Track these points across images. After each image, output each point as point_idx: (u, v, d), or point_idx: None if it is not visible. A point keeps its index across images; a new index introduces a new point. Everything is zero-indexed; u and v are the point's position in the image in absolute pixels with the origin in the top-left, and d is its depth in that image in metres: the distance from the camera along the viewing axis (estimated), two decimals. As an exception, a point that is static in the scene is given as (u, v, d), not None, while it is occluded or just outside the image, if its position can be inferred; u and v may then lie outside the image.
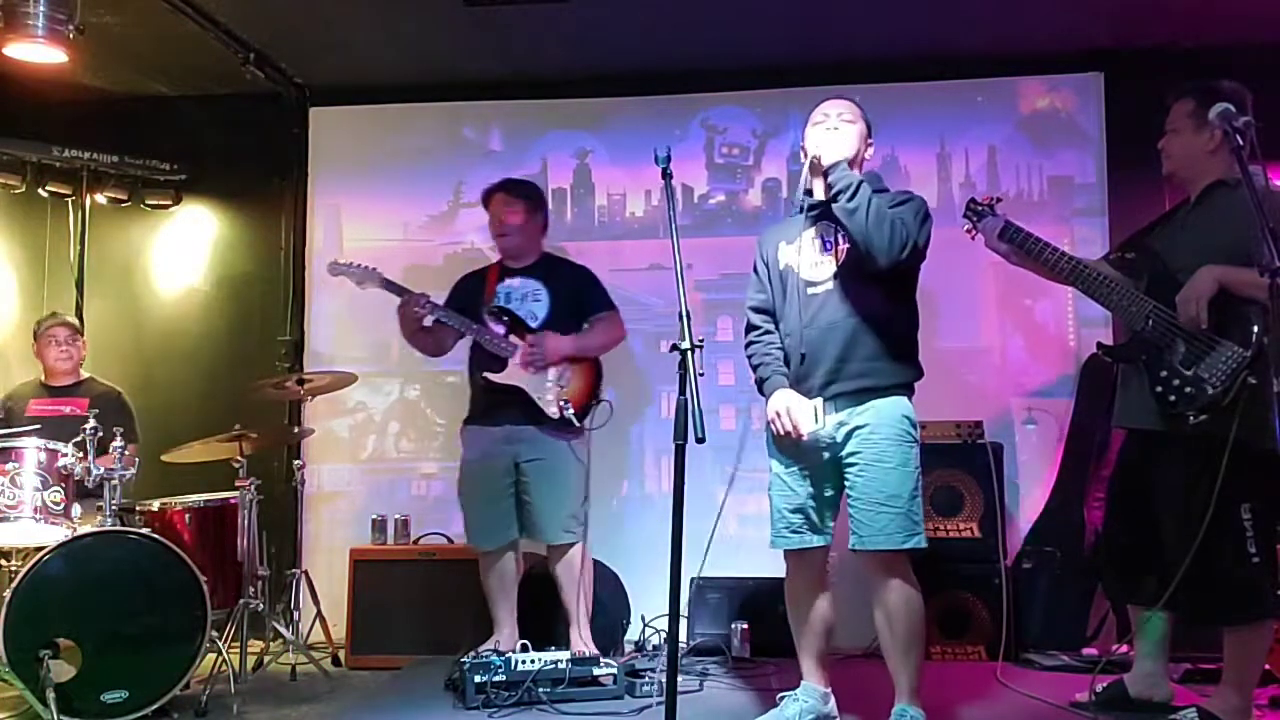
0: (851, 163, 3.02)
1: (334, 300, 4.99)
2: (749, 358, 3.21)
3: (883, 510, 2.92)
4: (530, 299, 4.03)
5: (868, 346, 2.98)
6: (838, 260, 3.04)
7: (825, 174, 3.01)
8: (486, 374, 3.94)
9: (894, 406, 2.99)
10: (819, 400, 2.99)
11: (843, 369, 2.98)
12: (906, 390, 3.05)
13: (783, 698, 3.18)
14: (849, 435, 2.98)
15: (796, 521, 3.07)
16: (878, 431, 2.96)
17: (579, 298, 4.07)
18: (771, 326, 3.16)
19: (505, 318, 3.97)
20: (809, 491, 3.06)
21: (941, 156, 4.85)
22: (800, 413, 2.98)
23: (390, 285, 3.98)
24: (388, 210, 5.10)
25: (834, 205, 2.96)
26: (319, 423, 4.90)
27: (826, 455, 3.03)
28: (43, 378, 4.50)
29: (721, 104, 4.95)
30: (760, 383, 3.14)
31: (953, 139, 4.84)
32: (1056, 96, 4.81)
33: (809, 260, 3.07)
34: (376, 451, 5.01)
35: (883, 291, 3.00)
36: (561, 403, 3.89)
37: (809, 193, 3.11)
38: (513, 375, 3.91)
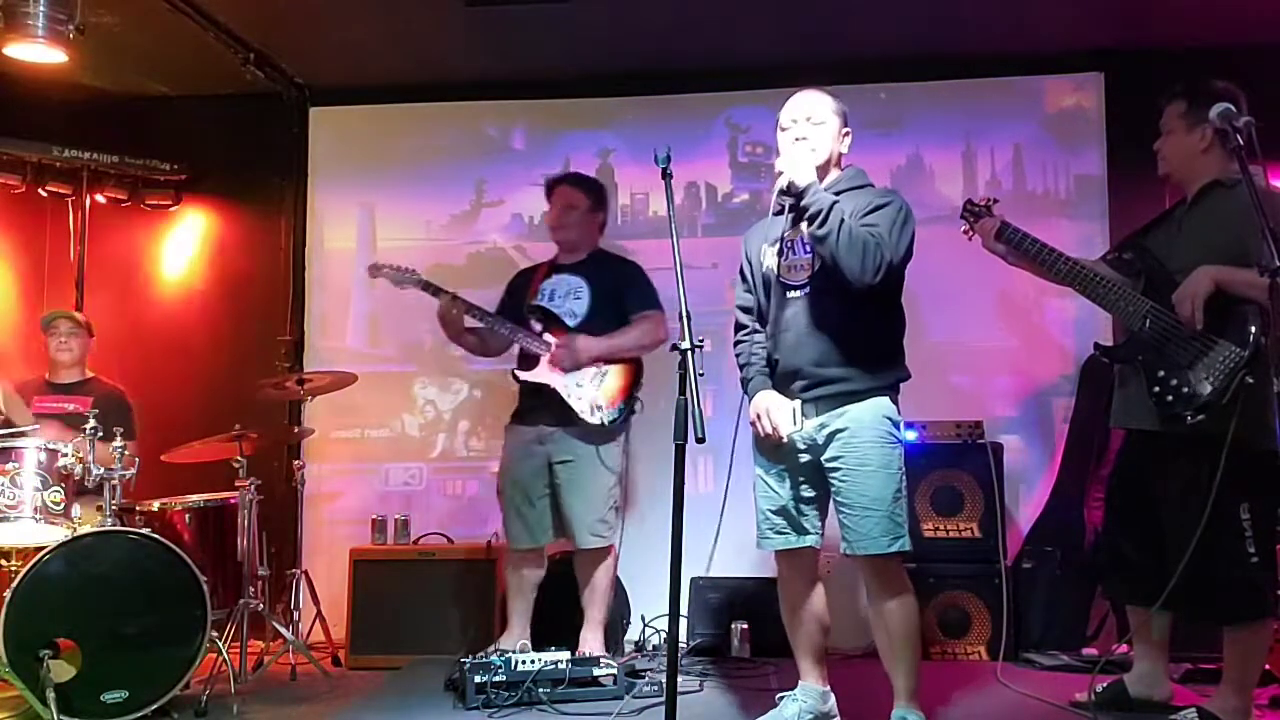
0: (825, 166, 3.01)
1: (372, 300, 5.04)
2: (736, 358, 3.19)
3: (868, 514, 2.89)
4: (572, 296, 3.99)
5: (845, 350, 2.94)
6: (815, 263, 2.99)
7: (798, 196, 2.93)
8: (517, 371, 3.95)
9: (874, 409, 2.94)
10: (798, 402, 2.98)
11: (820, 372, 2.94)
12: (888, 391, 2.99)
13: (782, 698, 3.18)
14: (829, 439, 2.95)
15: (780, 523, 3.05)
16: (858, 435, 2.91)
17: (620, 296, 3.99)
18: (757, 326, 3.15)
19: (541, 316, 3.96)
20: (791, 493, 3.04)
21: (967, 155, 4.85)
22: (780, 414, 2.97)
23: (428, 286, 3.96)
24: (410, 210, 5.12)
25: (806, 229, 2.92)
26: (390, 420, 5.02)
27: (807, 456, 3.01)
28: (48, 374, 4.48)
29: (744, 103, 4.94)
30: (744, 383, 3.13)
31: (978, 138, 4.84)
32: (1083, 95, 4.80)
33: (788, 262, 3.05)
34: (446, 450, 5.05)
35: (862, 294, 2.91)
36: (595, 404, 3.87)
37: (786, 192, 2.98)
38: (542, 374, 3.90)
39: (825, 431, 2.96)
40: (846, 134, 3.10)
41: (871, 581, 2.98)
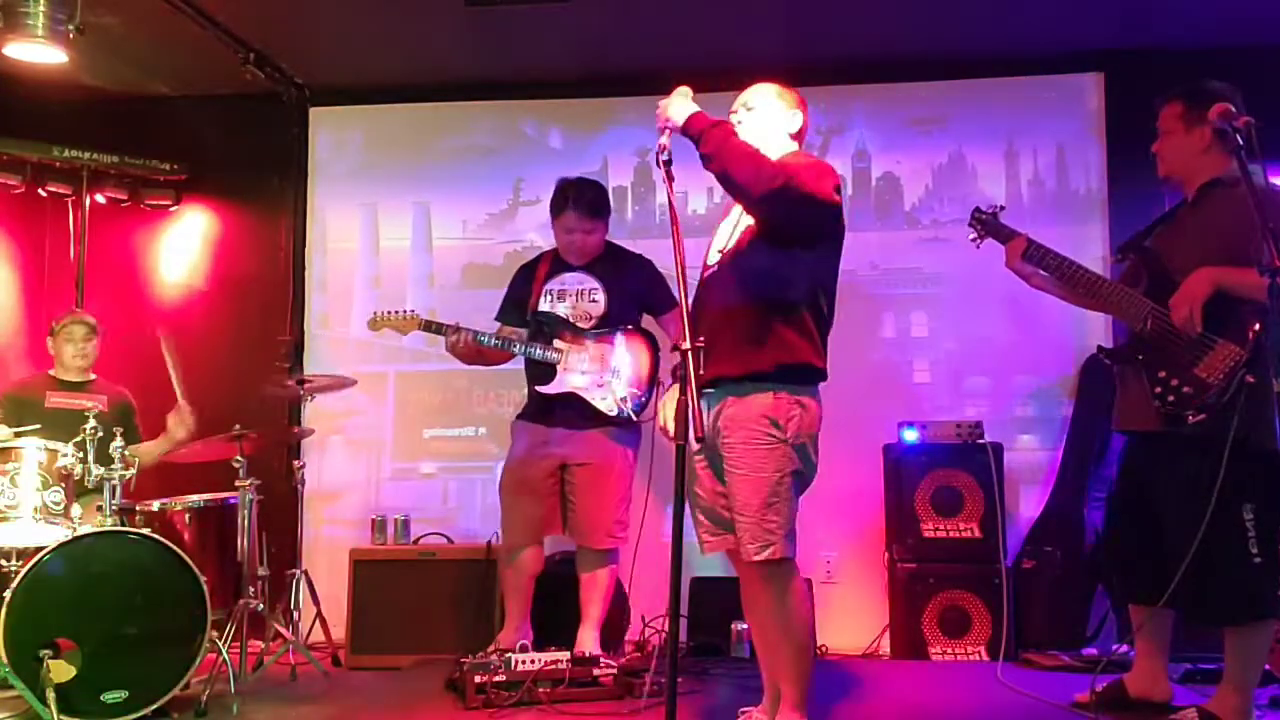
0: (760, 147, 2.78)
1: (429, 296, 5.02)
2: None
3: (739, 519, 2.72)
4: (587, 298, 3.97)
5: (728, 337, 2.69)
6: (729, 242, 2.84)
7: (684, 134, 2.73)
8: (538, 387, 3.92)
9: (751, 405, 2.70)
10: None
11: (710, 358, 2.60)
12: (774, 386, 2.70)
13: (743, 713, 3.01)
14: (718, 434, 2.74)
15: (707, 524, 2.89)
16: (733, 434, 2.72)
17: (642, 297, 4.00)
18: None
19: (545, 325, 3.93)
20: (714, 490, 2.85)
21: (1009, 154, 4.84)
22: (672, 406, 2.64)
23: (430, 326, 3.93)
24: (447, 208, 5.11)
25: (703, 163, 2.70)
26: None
27: (712, 449, 2.80)
28: (55, 372, 4.43)
29: None
30: None
31: (1020, 137, 4.83)
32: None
33: (718, 243, 2.92)
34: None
35: (760, 270, 2.72)
36: (621, 399, 3.85)
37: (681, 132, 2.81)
38: (564, 384, 3.89)
39: (715, 425, 2.76)
40: (794, 114, 2.95)
41: (745, 585, 2.85)
